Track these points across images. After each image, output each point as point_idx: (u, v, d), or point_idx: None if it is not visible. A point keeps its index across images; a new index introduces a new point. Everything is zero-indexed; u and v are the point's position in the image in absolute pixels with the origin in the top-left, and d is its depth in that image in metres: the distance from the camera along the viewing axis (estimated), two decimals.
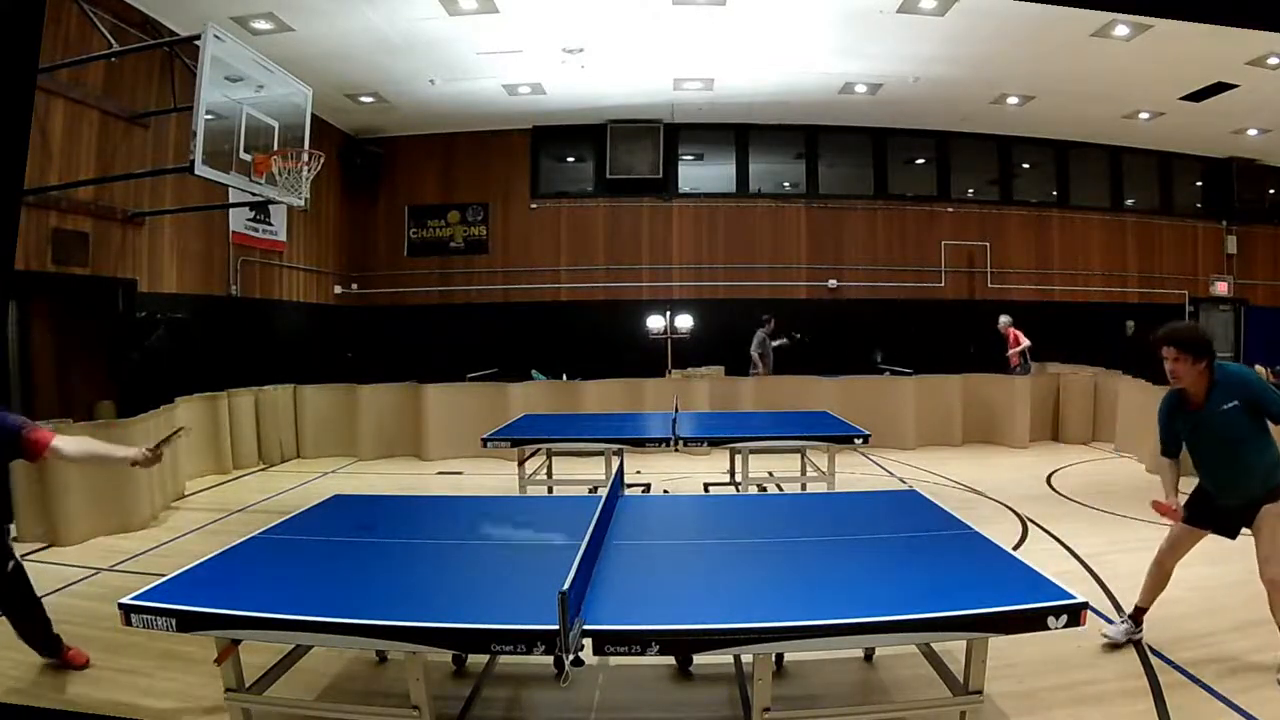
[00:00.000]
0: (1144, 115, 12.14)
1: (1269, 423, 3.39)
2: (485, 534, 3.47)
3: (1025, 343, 10.92)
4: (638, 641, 2.22)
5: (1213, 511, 3.54)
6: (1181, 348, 3.40)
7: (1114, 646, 3.63)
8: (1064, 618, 2.33)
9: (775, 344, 11.55)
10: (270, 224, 10.74)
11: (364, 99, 11.45)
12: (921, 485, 7.16)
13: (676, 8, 8.74)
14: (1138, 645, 3.66)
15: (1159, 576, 3.68)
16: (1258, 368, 11.73)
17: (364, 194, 13.33)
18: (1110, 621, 3.82)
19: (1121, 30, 9.00)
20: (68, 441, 3.25)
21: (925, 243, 13.52)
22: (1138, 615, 3.71)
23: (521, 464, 6.30)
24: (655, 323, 12.35)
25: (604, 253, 13.36)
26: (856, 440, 6.00)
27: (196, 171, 6.56)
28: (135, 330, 8.07)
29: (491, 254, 13.42)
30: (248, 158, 7.33)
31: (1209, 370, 3.40)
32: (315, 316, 12.17)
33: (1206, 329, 3.64)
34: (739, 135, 13.35)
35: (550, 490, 6.50)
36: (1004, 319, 11.19)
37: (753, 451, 6.07)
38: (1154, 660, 3.48)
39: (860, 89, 11.34)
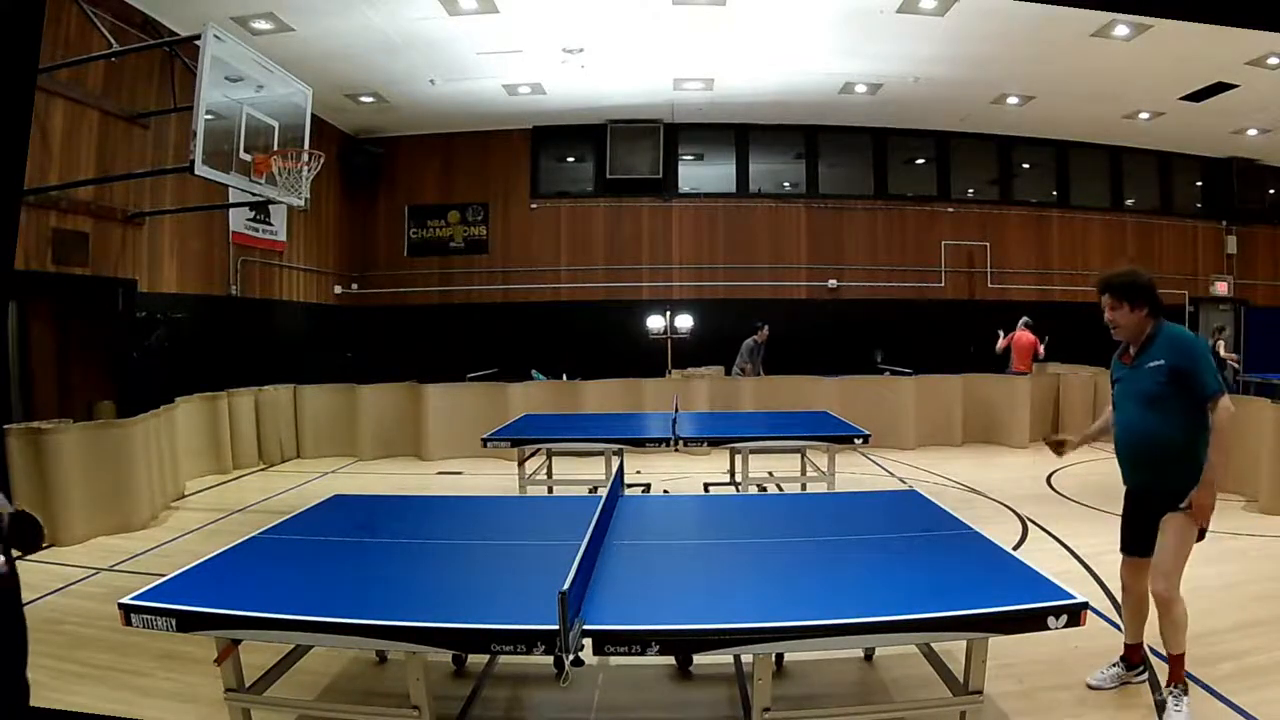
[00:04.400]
0: (1144, 115, 12.14)
1: (1200, 404, 2.99)
2: (485, 534, 3.46)
3: (1000, 343, 10.79)
4: (638, 641, 2.22)
5: (1138, 525, 3.22)
6: (1115, 294, 3.13)
7: (1102, 684, 3.30)
8: (1064, 618, 2.33)
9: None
10: (270, 224, 10.74)
11: (364, 99, 11.45)
12: (921, 485, 7.16)
13: (676, 8, 8.73)
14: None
15: (1133, 603, 3.35)
16: (1221, 341, 11.69)
17: (364, 194, 13.33)
18: (1106, 665, 3.38)
19: (1121, 30, 9.00)
20: None
21: (925, 243, 13.52)
22: (1133, 655, 3.35)
23: (521, 464, 6.30)
24: (655, 323, 12.34)
25: (604, 253, 13.36)
26: (856, 440, 6.01)
27: (196, 171, 6.56)
28: (135, 330, 8.07)
29: (491, 254, 13.42)
30: (248, 158, 7.33)
31: (1151, 321, 3.13)
32: (315, 316, 12.17)
33: (1148, 274, 3.17)
34: (739, 135, 13.34)
35: (550, 490, 6.51)
36: (1024, 320, 10.99)
37: (753, 451, 6.08)
38: (1154, 660, 3.47)
39: (860, 89, 11.34)
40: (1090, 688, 3.29)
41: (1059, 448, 3.59)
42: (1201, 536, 3.06)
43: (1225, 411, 2.94)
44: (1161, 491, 3.08)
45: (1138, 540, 3.24)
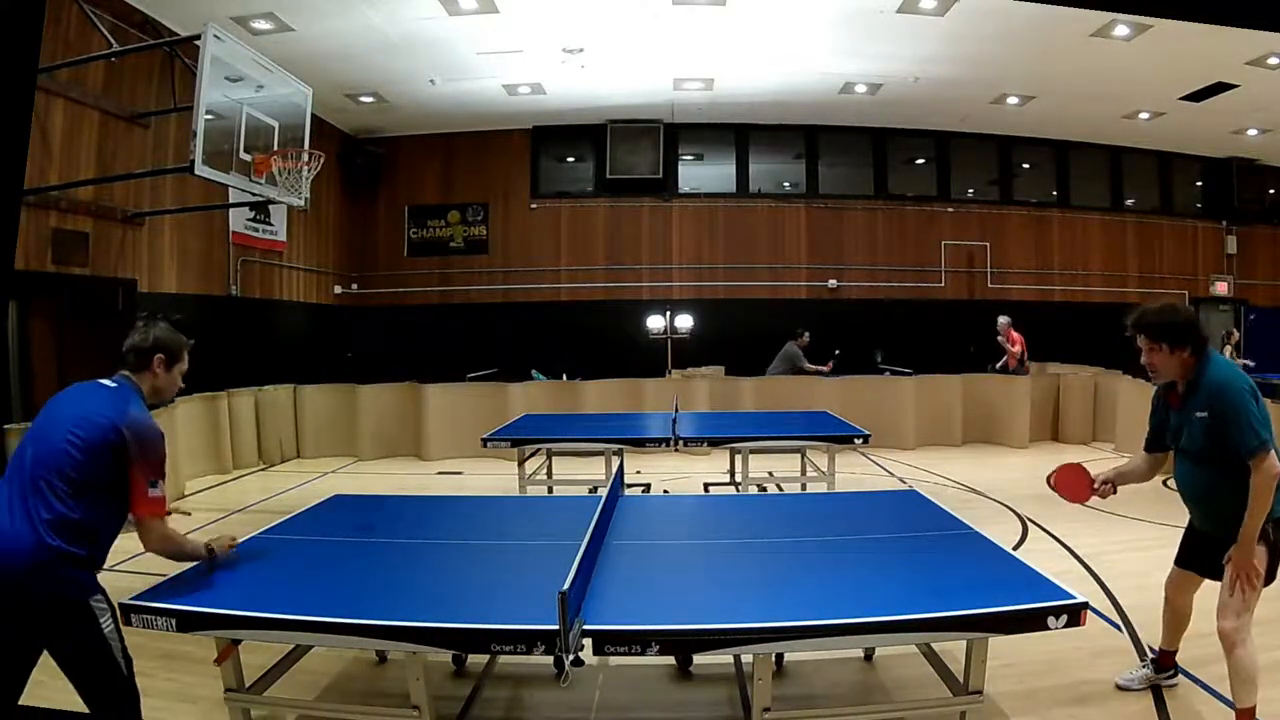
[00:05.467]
0: (1144, 115, 12.14)
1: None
2: (485, 534, 3.46)
3: (1016, 348, 10.62)
4: (638, 641, 2.22)
5: (1195, 545, 3.06)
6: (1152, 335, 2.84)
7: (1130, 685, 3.26)
8: (1064, 618, 2.33)
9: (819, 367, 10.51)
10: (270, 224, 10.74)
11: (364, 99, 11.45)
12: (921, 485, 7.15)
13: (676, 8, 8.74)
14: (1137, 645, 3.66)
15: (1171, 615, 3.24)
16: (1229, 347, 11.51)
17: (364, 194, 13.33)
18: (1136, 667, 3.35)
19: (1121, 30, 9.00)
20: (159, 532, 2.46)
21: (925, 243, 13.52)
22: (1165, 659, 3.26)
23: (521, 464, 6.30)
24: (655, 323, 12.34)
25: (604, 253, 13.37)
26: (856, 440, 6.01)
27: (196, 171, 6.55)
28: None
29: (491, 254, 13.42)
30: (248, 158, 7.33)
31: (1195, 360, 2.83)
32: (315, 316, 12.17)
33: (1189, 309, 2.93)
34: (739, 135, 13.35)
35: (550, 490, 6.51)
36: (1003, 319, 11.02)
37: (753, 451, 6.08)
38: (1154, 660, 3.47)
39: (860, 89, 11.34)
40: (1119, 688, 3.24)
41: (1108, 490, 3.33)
42: (1271, 577, 2.79)
43: (1264, 475, 2.63)
44: (1220, 533, 2.84)
45: (1190, 555, 3.10)
